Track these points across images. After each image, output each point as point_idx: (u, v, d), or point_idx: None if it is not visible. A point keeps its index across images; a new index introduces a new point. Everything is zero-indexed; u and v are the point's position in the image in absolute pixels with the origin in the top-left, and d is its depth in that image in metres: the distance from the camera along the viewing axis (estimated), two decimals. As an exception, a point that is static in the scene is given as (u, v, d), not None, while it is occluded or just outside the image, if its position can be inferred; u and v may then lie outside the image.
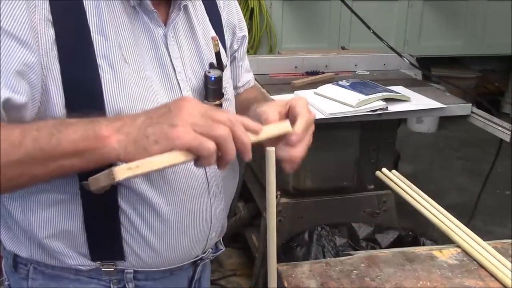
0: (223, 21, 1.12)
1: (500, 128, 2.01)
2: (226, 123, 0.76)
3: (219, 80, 1.01)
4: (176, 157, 0.75)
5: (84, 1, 0.88)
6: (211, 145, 0.74)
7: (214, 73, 1.01)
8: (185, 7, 1.00)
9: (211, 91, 1.01)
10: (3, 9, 0.79)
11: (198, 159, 0.76)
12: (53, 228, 0.94)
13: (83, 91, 0.87)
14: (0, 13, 0.79)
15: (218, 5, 1.12)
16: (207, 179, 1.01)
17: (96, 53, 0.88)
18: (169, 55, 0.97)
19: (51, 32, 0.84)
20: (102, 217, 0.94)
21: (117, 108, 0.88)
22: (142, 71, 0.93)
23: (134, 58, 0.92)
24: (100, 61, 0.88)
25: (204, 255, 1.10)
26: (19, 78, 0.80)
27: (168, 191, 0.96)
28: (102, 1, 0.89)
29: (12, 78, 0.79)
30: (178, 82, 0.98)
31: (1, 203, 0.97)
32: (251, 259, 2.52)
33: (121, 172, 0.72)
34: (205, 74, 1.01)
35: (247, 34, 1.20)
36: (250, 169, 2.54)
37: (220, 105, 1.03)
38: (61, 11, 0.85)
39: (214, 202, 1.04)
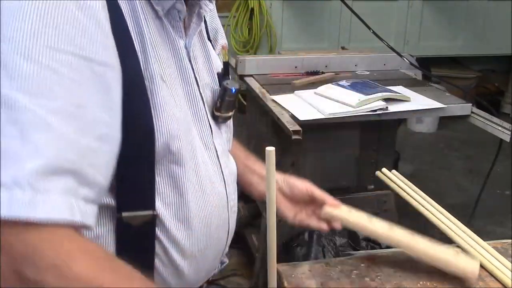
0: (208, 27, 1.06)
1: (500, 128, 2.01)
2: None
3: (238, 92, 0.97)
4: None
5: (119, 1, 0.78)
6: None
7: (232, 85, 0.97)
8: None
9: (227, 103, 0.97)
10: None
11: None
12: None
13: (135, 116, 0.79)
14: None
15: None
16: (227, 195, 0.99)
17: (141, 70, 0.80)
18: (192, 68, 0.91)
19: None
20: (136, 249, 0.87)
21: (167, 132, 0.82)
22: (174, 89, 0.86)
23: (168, 74, 0.85)
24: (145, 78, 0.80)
25: (215, 270, 1.08)
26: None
27: (199, 209, 0.92)
28: (139, 11, 0.81)
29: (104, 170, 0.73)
30: (201, 97, 0.93)
31: None
32: (251, 259, 2.51)
33: None
34: (224, 86, 0.96)
35: (227, 43, 1.12)
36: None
37: (230, 117, 0.99)
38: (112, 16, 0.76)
39: (231, 216, 1.01)
